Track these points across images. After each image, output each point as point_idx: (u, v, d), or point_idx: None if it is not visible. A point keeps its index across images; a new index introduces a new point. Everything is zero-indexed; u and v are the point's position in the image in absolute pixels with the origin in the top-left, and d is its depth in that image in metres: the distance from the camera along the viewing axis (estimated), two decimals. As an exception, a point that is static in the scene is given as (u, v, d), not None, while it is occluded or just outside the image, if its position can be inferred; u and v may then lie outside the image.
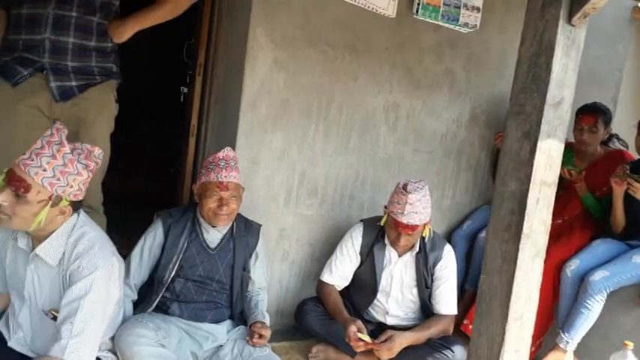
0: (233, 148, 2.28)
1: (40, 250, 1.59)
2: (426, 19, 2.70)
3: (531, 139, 1.21)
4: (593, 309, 2.50)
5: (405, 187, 2.27)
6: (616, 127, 3.15)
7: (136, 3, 2.21)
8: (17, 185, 1.48)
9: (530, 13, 1.19)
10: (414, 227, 2.24)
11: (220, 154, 2.08)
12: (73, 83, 2.06)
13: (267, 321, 2.18)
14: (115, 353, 1.83)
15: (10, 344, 1.69)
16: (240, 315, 2.22)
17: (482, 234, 2.98)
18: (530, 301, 1.19)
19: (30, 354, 1.68)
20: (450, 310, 2.41)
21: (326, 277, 2.45)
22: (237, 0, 2.46)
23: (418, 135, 2.89)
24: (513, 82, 1.22)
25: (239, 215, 2.19)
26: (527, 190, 1.17)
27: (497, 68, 3.06)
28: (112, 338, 1.85)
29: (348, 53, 2.58)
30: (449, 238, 3.04)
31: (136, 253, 2.08)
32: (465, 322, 2.84)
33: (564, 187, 2.74)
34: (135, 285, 2.07)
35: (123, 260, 1.78)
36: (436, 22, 2.73)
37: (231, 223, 2.16)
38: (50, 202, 1.53)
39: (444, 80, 2.91)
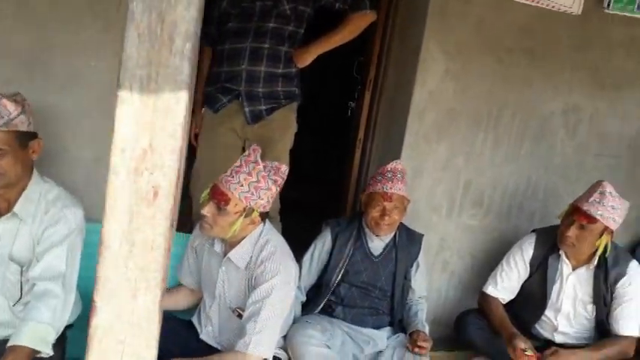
0: (398, 158, 2.30)
1: (232, 254, 1.80)
2: (620, 13, 2.39)
3: None
4: None
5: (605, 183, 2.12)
6: None
7: (314, 29, 2.32)
8: (219, 199, 1.69)
9: None
10: (590, 219, 2.07)
11: (389, 166, 2.12)
12: (263, 107, 2.27)
13: (427, 331, 2.18)
14: (286, 351, 1.99)
15: (201, 336, 1.93)
16: (399, 322, 2.26)
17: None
18: None
19: (217, 346, 1.90)
20: (630, 331, 2.17)
21: (490, 290, 2.36)
22: (411, 15, 2.45)
23: (602, 139, 2.62)
24: None
25: (401, 225, 2.22)
26: None
27: None
28: (284, 337, 2.01)
29: (524, 58, 2.41)
30: (632, 252, 2.70)
31: (306, 259, 2.22)
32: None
33: None
34: (304, 287, 2.22)
35: (298, 265, 1.93)
36: (632, 16, 2.40)
37: (392, 232, 2.19)
38: (244, 213, 1.71)
39: (636, 78, 2.57)
